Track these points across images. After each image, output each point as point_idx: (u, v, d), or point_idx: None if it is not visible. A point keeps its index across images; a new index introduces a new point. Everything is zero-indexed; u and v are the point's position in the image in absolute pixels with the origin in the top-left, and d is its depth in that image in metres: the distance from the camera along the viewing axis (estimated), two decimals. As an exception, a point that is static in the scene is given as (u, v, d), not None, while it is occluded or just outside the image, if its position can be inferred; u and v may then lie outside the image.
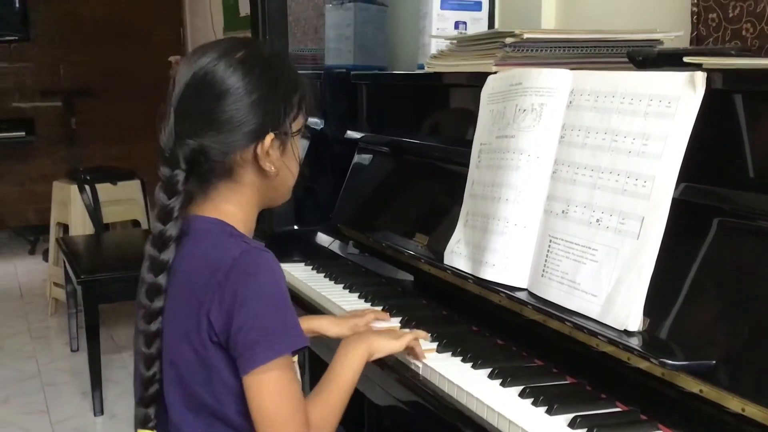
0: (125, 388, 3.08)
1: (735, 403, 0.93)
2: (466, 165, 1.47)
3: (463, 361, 1.26)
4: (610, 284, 1.12)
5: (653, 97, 1.12)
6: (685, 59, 1.11)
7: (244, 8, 4.16)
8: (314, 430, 1.07)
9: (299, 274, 1.83)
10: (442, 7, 1.87)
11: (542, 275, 1.25)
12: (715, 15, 1.45)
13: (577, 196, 1.21)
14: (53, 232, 4.15)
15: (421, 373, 1.26)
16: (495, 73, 1.45)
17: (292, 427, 1.04)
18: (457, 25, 1.89)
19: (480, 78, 1.47)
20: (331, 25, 2.51)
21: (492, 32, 1.59)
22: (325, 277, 1.80)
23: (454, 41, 1.66)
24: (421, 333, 1.32)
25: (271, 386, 1.03)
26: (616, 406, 1.08)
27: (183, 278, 1.07)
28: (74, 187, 3.95)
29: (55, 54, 5.85)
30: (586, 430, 1.01)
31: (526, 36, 1.44)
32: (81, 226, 3.94)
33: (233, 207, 1.11)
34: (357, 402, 1.19)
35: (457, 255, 1.44)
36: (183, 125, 1.07)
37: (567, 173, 1.24)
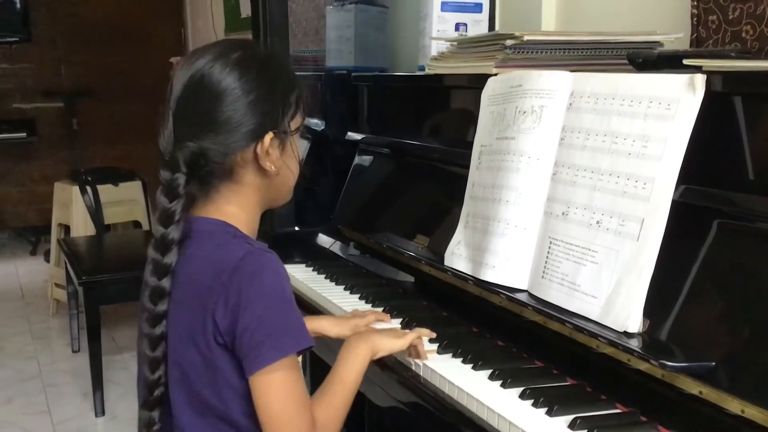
0: (126, 388, 3.09)
1: (735, 405, 0.93)
2: (467, 166, 1.47)
3: (464, 362, 1.26)
4: (610, 286, 1.12)
5: (653, 99, 1.12)
6: (685, 61, 1.11)
7: (245, 9, 4.16)
8: (320, 430, 1.07)
9: (300, 275, 1.83)
10: (442, 9, 1.87)
11: (542, 277, 1.25)
12: (715, 17, 1.46)
13: (577, 197, 1.21)
14: (54, 233, 4.16)
15: (421, 374, 1.27)
16: (495, 75, 1.46)
17: (298, 427, 1.04)
18: (457, 26, 1.89)
19: (480, 80, 1.48)
20: (331, 26, 2.51)
21: (492, 34, 1.59)
22: (325, 278, 1.81)
23: (455, 43, 1.67)
24: (424, 331, 1.32)
25: (276, 386, 1.03)
26: (616, 408, 1.08)
27: (186, 280, 1.07)
28: (75, 188, 3.96)
29: (56, 55, 5.86)
30: (586, 431, 1.01)
31: (526, 38, 1.44)
32: (82, 227, 3.95)
33: (235, 208, 1.12)
34: (358, 403, 1.19)
35: (457, 256, 1.44)
36: (182, 128, 1.07)
37: (567, 175, 1.24)
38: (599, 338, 1.11)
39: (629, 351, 1.07)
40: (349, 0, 2.44)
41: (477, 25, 1.91)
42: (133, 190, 4.21)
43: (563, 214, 1.23)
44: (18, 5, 5.70)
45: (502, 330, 1.35)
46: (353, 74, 2.16)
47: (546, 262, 1.25)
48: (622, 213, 1.13)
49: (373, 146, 1.99)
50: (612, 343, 1.09)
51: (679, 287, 1.06)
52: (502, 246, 1.32)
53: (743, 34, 1.40)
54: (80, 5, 5.84)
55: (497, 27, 2.00)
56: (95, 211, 3.93)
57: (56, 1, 5.80)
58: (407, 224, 1.69)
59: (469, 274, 1.39)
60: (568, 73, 1.29)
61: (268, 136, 1.09)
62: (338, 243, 1.95)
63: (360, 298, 1.63)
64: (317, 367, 1.71)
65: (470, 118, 1.52)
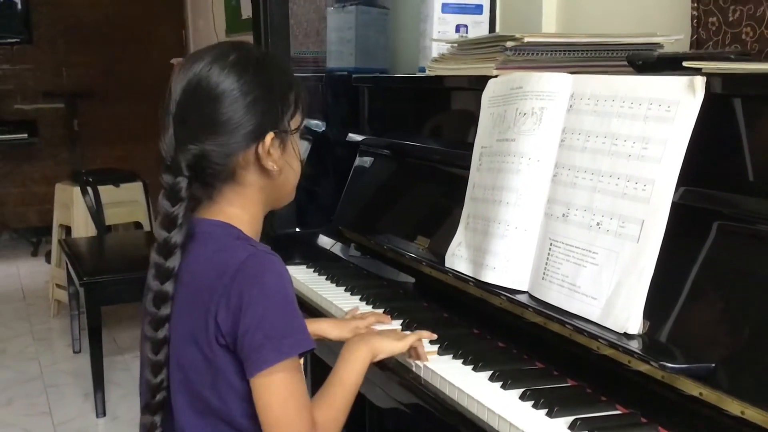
0: (127, 389, 3.09)
1: (734, 406, 0.93)
2: (467, 168, 1.48)
3: (464, 363, 1.26)
4: (610, 287, 1.13)
5: (653, 101, 1.12)
6: (685, 64, 1.12)
7: (246, 10, 4.17)
8: None
9: (301, 276, 1.84)
10: (443, 11, 1.88)
11: (543, 278, 1.25)
12: (715, 19, 1.46)
13: (577, 199, 1.22)
14: (56, 234, 4.16)
15: (422, 375, 1.27)
16: (496, 76, 1.46)
17: (299, 429, 1.04)
18: (458, 28, 1.89)
19: (481, 81, 1.48)
20: (332, 27, 2.51)
21: (493, 36, 1.59)
22: (326, 279, 1.81)
23: (455, 45, 1.67)
24: (425, 333, 1.33)
25: (277, 388, 1.03)
26: (617, 409, 1.08)
27: (189, 281, 1.08)
28: (77, 189, 3.96)
29: (57, 56, 5.86)
30: (586, 432, 1.02)
31: (526, 40, 1.45)
32: (83, 227, 3.95)
33: (238, 210, 1.12)
34: (359, 404, 1.19)
35: (458, 258, 1.44)
36: (183, 132, 1.07)
37: (567, 176, 1.24)
38: (599, 340, 1.12)
39: (629, 352, 1.07)
40: (350, 1, 2.45)
41: (477, 27, 1.91)
42: (134, 191, 4.21)
43: (563, 215, 1.24)
44: (19, 6, 5.71)
45: (503, 331, 1.35)
46: (354, 75, 2.16)
47: (546, 264, 1.25)
48: (622, 215, 1.13)
49: (373, 147, 1.99)
50: (612, 345, 1.09)
51: (679, 289, 1.06)
52: (502, 247, 1.33)
53: (743, 36, 1.40)
54: (81, 7, 5.84)
55: (498, 29, 2.00)
56: (96, 212, 3.94)
57: (57, 2, 5.80)
58: (408, 225, 1.69)
59: (470, 275, 1.39)
60: (569, 75, 1.29)
61: (269, 136, 1.09)
62: (339, 244, 1.96)
63: (361, 300, 1.63)
64: (318, 368, 1.72)
65: (471, 120, 1.52)
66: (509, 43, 1.45)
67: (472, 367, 1.24)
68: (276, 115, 1.11)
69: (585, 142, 1.22)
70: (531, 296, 1.27)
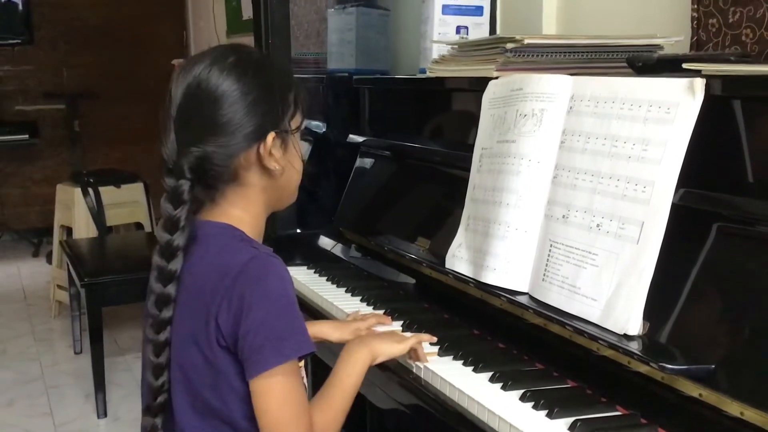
0: (128, 390, 3.09)
1: (734, 407, 0.93)
2: (468, 169, 1.48)
3: (464, 364, 1.26)
4: (610, 289, 1.13)
5: (653, 103, 1.12)
6: (684, 65, 1.12)
7: (247, 11, 4.17)
8: None
9: (302, 277, 1.84)
10: (443, 12, 1.88)
11: (543, 279, 1.25)
12: (714, 20, 1.46)
13: (577, 200, 1.22)
14: (57, 235, 4.16)
15: (422, 376, 1.27)
16: (496, 78, 1.46)
17: None
18: (458, 29, 1.90)
19: (481, 83, 1.48)
20: (333, 29, 2.52)
21: (493, 38, 1.60)
22: (327, 280, 1.81)
23: (456, 46, 1.67)
24: (425, 336, 1.33)
25: (276, 391, 1.03)
26: (617, 410, 1.09)
27: (191, 282, 1.08)
28: (78, 190, 3.96)
29: (58, 57, 5.87)
30: (586, 433, 1.02)
31: (526, 41, 1.45)
32: (84, 228, 3.95)
33: (241, 211, 1.12)
34: (359, 405, 1.20)
35: (458, 259, 1.44)
36: (184, 135, 1.08)
37: (567, 178, 1.25)
38: (599, 341, 1.12)
39: (629, 353, 1.07)
40: (351, 3, 2.45)
41: (478, 28, 1.92)
42: (135, 191, 4.21)
43: (563, 217, 1.24)
44: (20, 7, 5.71)
45: (503, 332, 1.36)
46: (354, 77, 2.16)
47: (546, 265, 1.25)
48: (622, 216, 1.14)
49: (374, 149, 1.99)
50: (612, 346, 1.10)
51: (678, 290, 1.06)
52: (502, 249, 1.33)
53: (743, 38, 1.40)
54: (82, 7, 5.84)
55: (498, 30, 2.00)
56: (97, 213, 3.94)
57: (58, 3, 5.81)
58: (408, 227, 1.70)
59: (470, 276, 1.39)
60: (569, 76, 1.29)
61: (270, 136, 1.10)
62: (340, 245, 1.96)
63: (361, 301, 1.63)
64: (319, 369, 1.72)
65: (471, 121, 1.52)
66: (509, 45, 1.45)
67: (472, 368, 1.25)
68: (276, 115, 1.11)
69: (585, 144, 1.22)
70: (531, 297, 1.28)
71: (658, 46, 1.49)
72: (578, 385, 1.17)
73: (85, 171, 4.41)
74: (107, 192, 4.02)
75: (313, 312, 1.66)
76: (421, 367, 1.28)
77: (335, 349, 1.33)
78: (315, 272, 1.88)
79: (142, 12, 5.89)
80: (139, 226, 4.28)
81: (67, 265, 3.39)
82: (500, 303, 1.35)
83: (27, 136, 5.66)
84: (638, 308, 1.09)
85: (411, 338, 1.30)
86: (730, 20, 1.43)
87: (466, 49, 1.63)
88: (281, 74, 1.16)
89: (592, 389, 1.15)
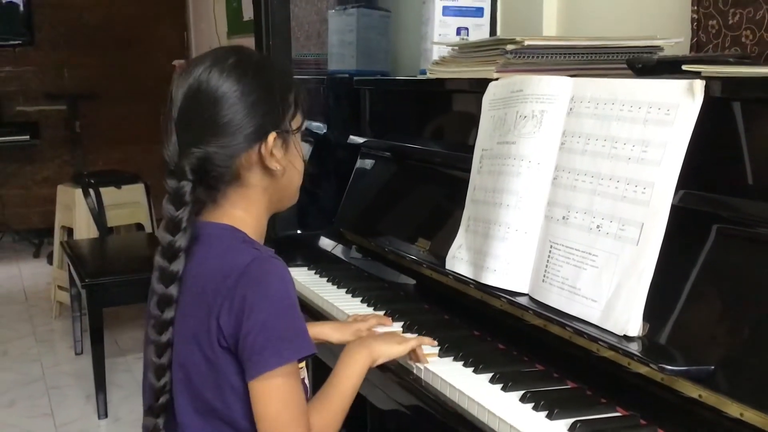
0: (129, 391, 3.10)
1: (734, 408, 0.94)
2: (468, 170, 1.48)
3: (465, 365, 1.27)
4: (610, 290, 1.13)
5: (652, 105, 1.13)
6: (684, 67, 1.12)
7: (248, 12, 4.18)
8: None
9: (302, 278, 1.84)
10: (444, 14, 1.88)
11: (543, 281, 1.26)
12: (714, 22, 1.46)
13: (577, 202, 1.22)
14: (57, 236, 4.16)
15: (422, 377, 1.27)
16: (496, 79, 1.47)
17: None
18: (459, 31, 1.90)
19: (481, 84, 1.48)
20: (334, 30, 2.52)
21: (493, 39, 1.60)
22: (328, 281, 1.81)
23: (456, 47, 1.68)
24: (425, 339, 1.34)
25: (275, 393, 1.04)
26: (616, 411, 1.09)
27: (193, 283, 1.08)
28: (78, 191, 3.96)
29: (59, 58, 5.87)
30: (586, 434, 1.02)
31: (527, 43, 1.45)
32: (85, 229, 3.96)
33: (242, 212, 1.13)
34: (360, 406, 1.20)
35: (458, 260, 1.45)
36: (186, 136, 1.08)
37: (567, 179, 1.25)
38: (599, 342, 1.12)
39: (629, 355, 1.07)
40: (352, 4, 2.45)
41: (478, 30, 1.92)
42: (135, 192, 4.21)
43: (564, 218, 1.24)
44: (21, 8, 5.72)
45: (503, 333, 1.36)
46: (355, 78, 2.17)
47: (546, 266, 1.25)
48: (622, 217, 1.14)
49: (374, 150, 1.99)
50: (612, 347, 1.10)
51: (678, 291, 1.07)
52: (503, 250, 1.33)
53: (743, 39, 1.41)
54: (83, 8, 5.85)
55: (498, 31, 2.01)
56: (98, 214, 3.94)
57: (59, 4, 5.81)
58: (409, 228, 1.70)
59: (471, 277, 1.40)
60: (569, 78, 1.30)
61: (271, 136, 1.10)
62: (340, 246, 1.96)
63: (362, 302, 1.64)
64: (320, 370, 1.72)
65: (471, 122, 1.53)
66: (510, 46, 1.46)
67: (472, 369, 1.25)
68: (277, 115, 1.12)
69: (585, 145, 1.22)
70: (531, 298, 1.28)
71: (658, 48, 1.49)
72: (578, 386, 1.17)
73: (85, 172, 4.42)
74: (108, 193, 4.03)
75: (314, 313, 1.66)
76: (422, 368, 1.28)
77: (336, 350, 1.33)
78: (316, 273, 1.88)
79: (143, 13, 5.90)
80: (139, 226, 4.29)
81: (68, 265, 3.39)
82: (500, 304, 1.35)
83: (28, 136, 5.67)
84: (638, 309, 1.09)
85: (411, 340, 1.30)
86: (730, 22, 1.43)
87: (467, 51, 1.63)
88: (281, 75, 1.16)
89: (592, 390, 1.15)
